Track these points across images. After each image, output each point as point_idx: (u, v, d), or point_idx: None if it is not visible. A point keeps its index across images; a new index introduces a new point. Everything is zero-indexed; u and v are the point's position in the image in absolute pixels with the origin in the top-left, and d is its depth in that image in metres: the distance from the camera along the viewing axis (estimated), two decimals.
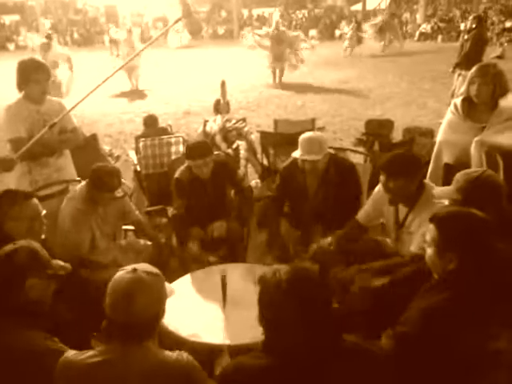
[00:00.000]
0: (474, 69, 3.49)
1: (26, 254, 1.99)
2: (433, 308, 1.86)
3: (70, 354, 1.78)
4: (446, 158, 3.58)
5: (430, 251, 2.02)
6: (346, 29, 21.95)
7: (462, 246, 1.91)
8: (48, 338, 1.89)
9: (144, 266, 1.83)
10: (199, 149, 3.65)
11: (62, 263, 2.18)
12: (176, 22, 3.36)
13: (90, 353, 1.74)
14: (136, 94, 12.74)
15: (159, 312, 1.80)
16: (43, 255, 2.06)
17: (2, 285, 1.93)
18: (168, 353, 1.77)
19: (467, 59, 7.66)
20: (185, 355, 1.78)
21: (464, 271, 1.89)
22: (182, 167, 3.75)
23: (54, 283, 2.08)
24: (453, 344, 1.80)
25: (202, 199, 3.69)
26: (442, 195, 2.57)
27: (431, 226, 2.01)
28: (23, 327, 1.89)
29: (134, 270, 1.77)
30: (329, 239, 3.24)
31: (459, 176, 2.49)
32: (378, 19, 19.67)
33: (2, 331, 1.87)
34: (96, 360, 1.70)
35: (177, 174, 3.74)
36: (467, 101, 3.50)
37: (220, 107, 5.77)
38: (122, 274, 1.77)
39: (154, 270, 1.84)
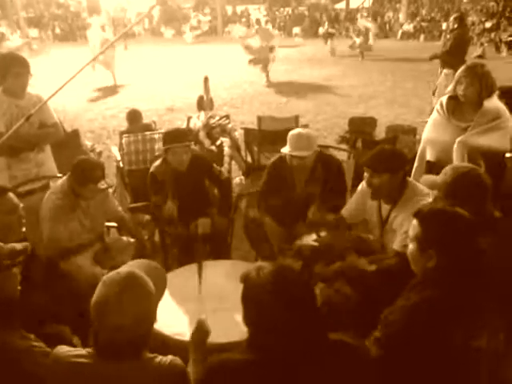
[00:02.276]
0: (462, 68, 3.52)
1: None
2: (414, 307, 1.86)
3: (64, 350, 1.71)
4: (429, 156, 3.61)
5: (411, 246, 2.03)
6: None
7: (443, 244, 1.91)
8: (22, 337, 1.81)
9: (128, 275, 1.68)
10: (177, 133, 3.66)
11: (18, 246, 2.07)
12: (151, 9, 3.36)
13: (82, 352, 1.68)
14: (119, 90, 12.64)
15: (151, 325, 1.71)
16: None
17: None
18: (161, 358, 1.70)
19: (450, 57, 7.72)
20: (178, 361, 1.72)
21: (443, 269, 1.89)
22: (158, 162, 3.70)
23: (17, 270, 1.95)
24: (435, 343, 1.80)
25: (180, 193, 3.65)
26: (427, 184, 2.58)
27: (414, 222, 2.01)
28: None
29: (119, 290, 1.62)
30: (313, 236, 3.24)
31: (448, 169, 2.50)
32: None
33: None
34: (85, 361, 1.64)
35: (152, 169, 3.69)
36: (453, 100, 3.53)
37: (203, 104, 5.74)
38: (104, 294, 1.63)
39: (138, 276, 1.69)
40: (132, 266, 1.79)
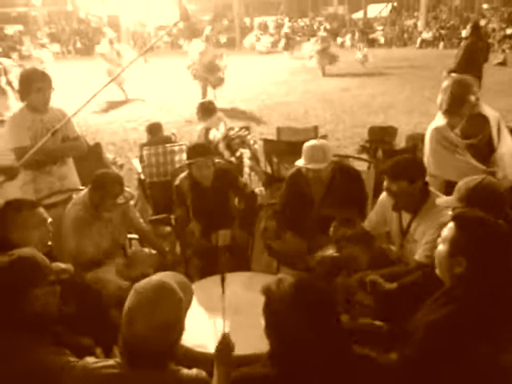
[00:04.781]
0: (469, 81, 3.50)
1: (25, 263, 1.93)
2: (438, 323, 1.81)
3: (90, 361, 1.73)
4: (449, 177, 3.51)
5: (442, 248, 1.97)
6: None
7: (476, 255, 1.85)
8: (60, 353, 1.84)
9: (159, 283, 1.70)
10: (200, 148, 3.73)
11: (63, 265, 2.14)
12: (174, 25, 3.44)
13: (110, 362, 1.70)
14: (140, 103, 12.78)
15: (180, 334, 1.72)
16: (42, 261, 1.99)
17: (5, 299, 1.87)
18: (188, 371, 1.71)
19: (464, 68, 7.66)
20: (204, 374, 1.74)
21: (470, 280, 1.85)
22: (183, 175, 3.76)
23: (58, 288, 2.02)
24: (461, 359, 1.75)
25: (203, 206, 3.67)
26: (444, 204, 2.56)
27: (452, 225, 1.95)
28: (35, 343, 1.84)
29: (150, 297, 1.65)
30: (334, 248, 3.22)
31: (460, 185, 2.50)
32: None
33: (15, 349, 1.81)
34: (113, 371, 1.66)
35: (177, 182, 3.74)
36: (452, 124, 3.48)
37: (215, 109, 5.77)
38: (135, 301, 1.66)
39: (169, 285, 1.71)
40: (161, 277, 1.81)
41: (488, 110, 3.49)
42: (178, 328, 1.70)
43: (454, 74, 8.00)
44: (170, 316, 1.65)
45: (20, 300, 1.88)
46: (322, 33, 16.77)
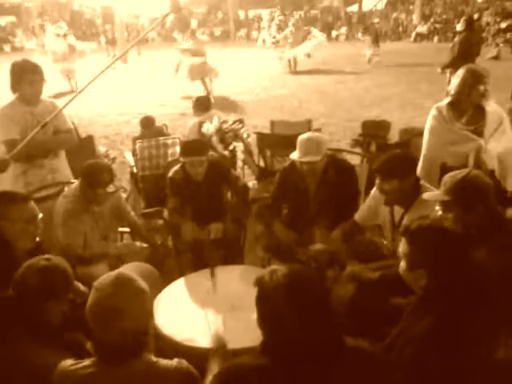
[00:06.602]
0: (482, 71, 3.52)
1: (58, 272, 1.99)
2: (420, 339, 1.77)
3: (67, 363, 1.74)
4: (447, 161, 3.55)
5: (402, 264, 1.96)
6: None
7: (431, 263, 1.84)
8: (55, 353, 1.87)
9: (116, 276, 1.73)
10: (195, 146, 3.68)
11: (82, 287, 2.15)
12: (164, 17, 3.37)
13: (86, 362, 1.71)
14: (132, 96, 12.72)
15: (147, 322, 1.76)
16: (71, 276, 2.05)
17: (30, 298, 1.92)
18: (167, 361, 1.73)
19: (459, 62, 7.70)
20: (184, 363, 1.74)
21: (436, 288, 1.84)
22: (176, 167, 3.74)
23: (69, 305, 2.06)
24: (456, 366, 1.73)
25: (196, 200, 3.66)
26: (432, 198, 2.57)
27: (403, 240, 1.94)
28: (42, 346, 1.88)
29: (110, 292, 1.67)
30: (326, 241, 3.22)
31: (446, 178, 2.49)
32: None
33: (24, 349, 1.85)
34: (90, 371, 1.67)
35: (170, 174, 3.72)
36: (452, 105, 3.55)
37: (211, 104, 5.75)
38: (96, 298, 1.68)
39: (127, 276, 1.75)
40: (124, 269, 1.84)
41: (491, 106, 3.52)
42: (144, 316, 1.74)
43: (448, 70, 8.10)
44: (132, 308, 1.67)
45: (40, 304, 1.94)
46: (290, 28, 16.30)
